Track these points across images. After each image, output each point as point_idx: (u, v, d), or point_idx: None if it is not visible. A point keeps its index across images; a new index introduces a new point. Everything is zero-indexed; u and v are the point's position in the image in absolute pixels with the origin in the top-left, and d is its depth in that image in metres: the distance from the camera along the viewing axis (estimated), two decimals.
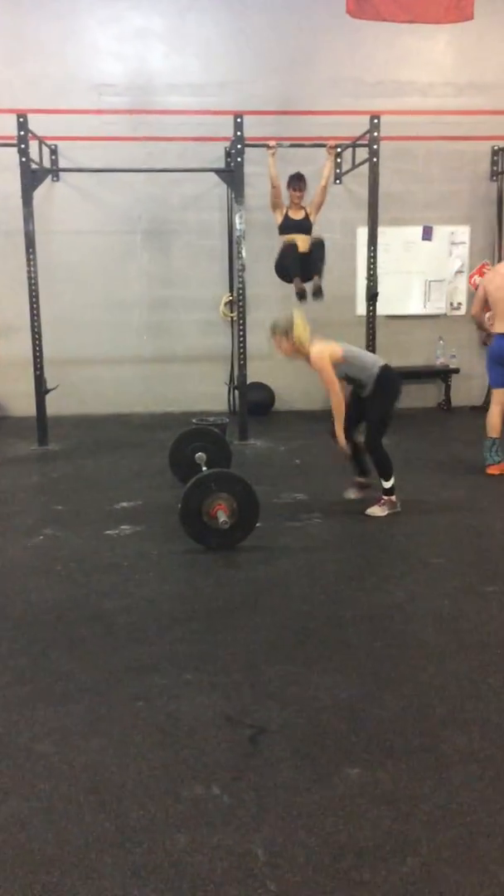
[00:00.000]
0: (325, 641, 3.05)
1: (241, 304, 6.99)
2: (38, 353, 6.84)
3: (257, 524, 4.15)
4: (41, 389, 6.90)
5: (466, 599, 3.46)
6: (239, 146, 6.77)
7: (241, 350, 7.03)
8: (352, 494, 5.02)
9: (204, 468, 4.81)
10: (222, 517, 3.96)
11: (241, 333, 7.00)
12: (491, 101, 8.48)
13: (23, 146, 6.49)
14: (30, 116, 6.57)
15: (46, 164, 7.85)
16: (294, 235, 6.79)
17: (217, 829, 1.98)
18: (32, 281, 6.72)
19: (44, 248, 7.27)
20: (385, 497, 4.74)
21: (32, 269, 6.71)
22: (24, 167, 6.55)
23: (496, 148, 8.56)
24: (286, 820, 2.00)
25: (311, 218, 6.94)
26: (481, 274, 8.75)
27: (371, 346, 7.03)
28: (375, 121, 6.74)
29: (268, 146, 6.81)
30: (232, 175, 6.97)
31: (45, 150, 7.91)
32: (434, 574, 3.78)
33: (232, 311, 8.25)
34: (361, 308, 7.59)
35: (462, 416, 8.48)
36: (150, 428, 7.82)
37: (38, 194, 6.93)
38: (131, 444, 7.12)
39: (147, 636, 3.11)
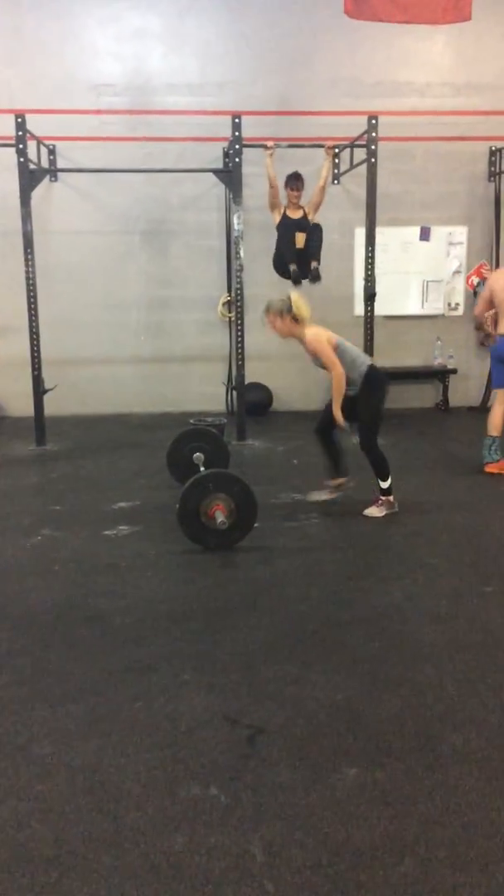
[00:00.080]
0: (323, 642, 3.05)
1: (239, 304, 6.99)
2: (36, 354, 6.84)
3: (255, 524, 4.15)
4: (39, 389, 6.90)
5: (464, 600, 3.47)
6: (237, 146, 6.77)
7: (240, 350, 7.03)
8: (319, 496, 4.96)
9: (202, 468, 4.81)
10: (220, 517, 3.97)
11: (240, 334, 7.00)
12: (489, 102, 8.49)
13: (21, 146, 6.48)
14: (28, 116, 6.56)
15: (45, 164, 7.85)
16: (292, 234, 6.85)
17: (215, 829, 1.98)
18: (31, 281, 6.72)
19: (42, 249, 7.28)
20: (382, 497, 4.74)
21: (31, 269, 6.71)
22: (23, 167, 6.54)
23: (494, 148, 8.57)
24: (284, 820, 2.01)
25: (309, 218, 6.96)
26: (479, 274, 8.76)
27: (369, 346, 7.04)
28: (373, 121, 6.75)
29: (266, 146, 6.83)
30: (230, 175, 6.97)
31: (44, 151, 7.90)
32: (432, 574, 3.79)
33: (230, 312, 8.24)
34: (359, 308, 7.59)
35: (460, 417, 8.49)
36: (148, 428, 7.82)
37: (37, 194, 6.94)
38: (129, 444, 7.13)
39: (145, 636, 3.12)
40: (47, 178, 7.94)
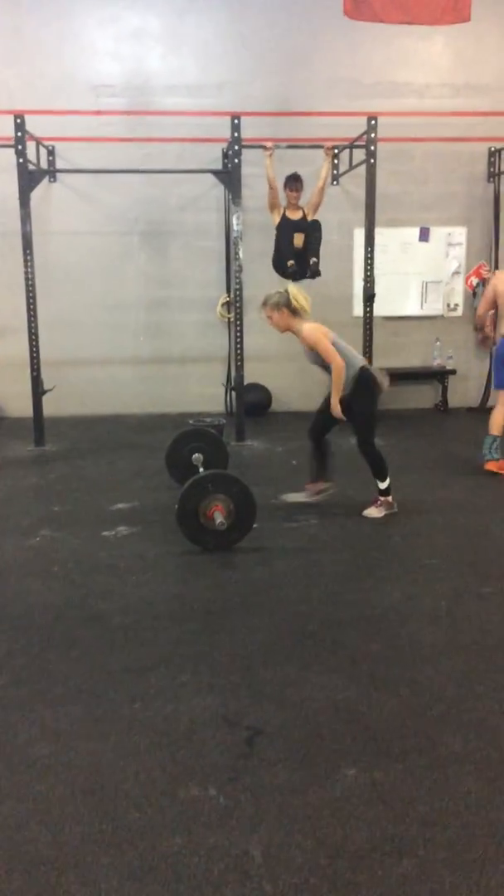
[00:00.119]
0: (322, 642, 3.05)
1: (238, 305, 6.99)
2: (34, 354, 6.84)
3: (254, 525, 4.15)
4: (38, 390, 6.89)
5: (463, 600, 3.47)
6: (236, 147, 6.77)
7: (239, 351, 7.03)
8: (295, 497, 4.90)
9: (201, 469, 4.81)
10: (219, 518, 3.97)
11: (239, 334, 7.00)
12: (488, 103, 8.49)
13: (20, 147, 6.48)
14: (27, 117, 6.56)
15: (44, 164, 7.85)
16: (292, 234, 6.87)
17: (213, 830, 1.98)
18: (30, 282, 6.72)
19: (41, 249, 7.28)
20: (381, 498, 4.74)
21: (29, 269, 6.70)
22: (22, 168, 6.54)
23: (493, 149, 8.57)
24: (282, 821, 2.01)
25: (309, 219, 6.96)
26: (478, 275, 8.76)
27: (368, 347, 7.05)
28: (373, 122, 6.75)
29: (265, 147, 6.83)
30: (229, 176, 6.97)
31: (43, 151, 7.89)
32: (430, 575, 3.79)
33: (229, 312, 8.24)
34: (358, 309, 7.59)
35: (459, 418, 8.49)
36: (147, 429, 7.82)
37: (36, 195, 6.93)
38: (128, 444, 7.12)
39: (144, 637, 3.12)
40: (46, 178, 7.93)
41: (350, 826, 1.99)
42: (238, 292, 6.96)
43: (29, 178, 6.64)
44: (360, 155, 7.13)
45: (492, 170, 8.64)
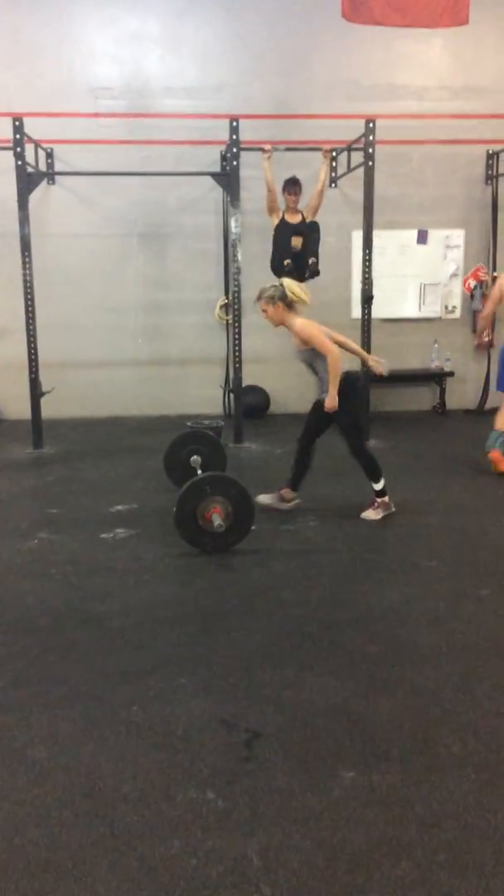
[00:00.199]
0: (320, 644, 3.05)
1: (236, 307, 6.99)
2: (33, 356, 6.84)
3: (252, 527, 4.15)
4: (36, 392, 6.89)
5: (461, 602, 3.47)
6: (234, 150, 6.77)
7: (237, 353, 7.03)
8: (265, 500, 4.80)
9: (199, 471, 4.81)
10: (217, 520, 3.96)
11: (237, 337, 7.00)
12: (486, 105, 8.50)
13: (18, 149, 6.48)
14: (26, 119, 6.56)
15: (42, 167, 7.86)
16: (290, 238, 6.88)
17: (212, 833, 1.98)
18: (28, 284, 6.72)
19: (39, 252, 7.28)
20: (378, 499, 4.74)
21: (28, 272, 6.70)
22: (20, 170, 6.54)
23: (491, 152, 8.58)
24: (281, 824, 2.01)
25: (307, 221, 6.96)
26: (476, 277, 8.78)
27: (366, 349, 7.03)
28: (371, 124, 6.75)
29: (264, 150, 6.84)
30: (227, 178, 6.98)
31: (41, 154, 7.90)
32: (428, 577, 3.79)
33: (227, 315, 8.25)
34: (357, 311, 7.59)
35: (456, 420, 8.49)
36: (145, 431, 7.82)
37: (34, 198, 6.93)
38: (127, 447, 7.12)
39: (142, 640, 3.11)
40: (45, 181, 7.93)
41: (348, 828, 1.98)
42: (236, 294, 6.96)
43: (27, 181, 6.64)
44: (358, 157, 7.14)
45: (490, 172, 8.66)
